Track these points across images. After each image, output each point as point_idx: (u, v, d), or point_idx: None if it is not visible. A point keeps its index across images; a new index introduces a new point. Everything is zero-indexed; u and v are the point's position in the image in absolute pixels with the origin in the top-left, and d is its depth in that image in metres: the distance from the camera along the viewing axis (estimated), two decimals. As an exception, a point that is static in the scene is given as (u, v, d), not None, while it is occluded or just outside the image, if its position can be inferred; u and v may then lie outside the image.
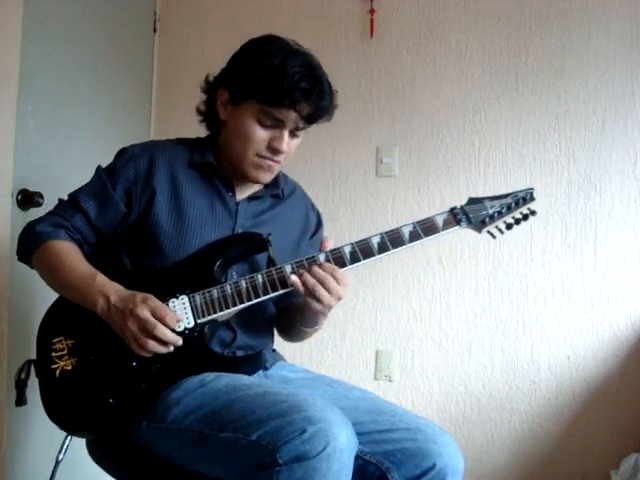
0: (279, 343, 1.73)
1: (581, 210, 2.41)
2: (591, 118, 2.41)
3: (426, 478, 1.35)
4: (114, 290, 1.41)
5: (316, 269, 1.41)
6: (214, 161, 1.58)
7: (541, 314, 2.44)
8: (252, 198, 1.62)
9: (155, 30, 2.86)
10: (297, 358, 2.52)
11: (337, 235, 2.58)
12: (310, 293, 1.41)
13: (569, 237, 2.42)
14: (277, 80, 1.44)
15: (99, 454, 1.55)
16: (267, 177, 1.57)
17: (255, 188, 1.64)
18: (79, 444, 1.54)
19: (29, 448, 2.03)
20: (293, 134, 1.53)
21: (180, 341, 1.38)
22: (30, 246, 1.52)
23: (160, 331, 1.35)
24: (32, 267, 1.55)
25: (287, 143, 1.51)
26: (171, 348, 1.38)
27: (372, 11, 2.62)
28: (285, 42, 1.53)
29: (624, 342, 2.35)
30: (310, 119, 1.52)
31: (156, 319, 1.36)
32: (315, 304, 1.42)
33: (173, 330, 1.38)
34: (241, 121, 1.51)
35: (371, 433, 1.40)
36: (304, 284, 1.41)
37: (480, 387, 2.49)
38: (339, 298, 1.43)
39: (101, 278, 1.44)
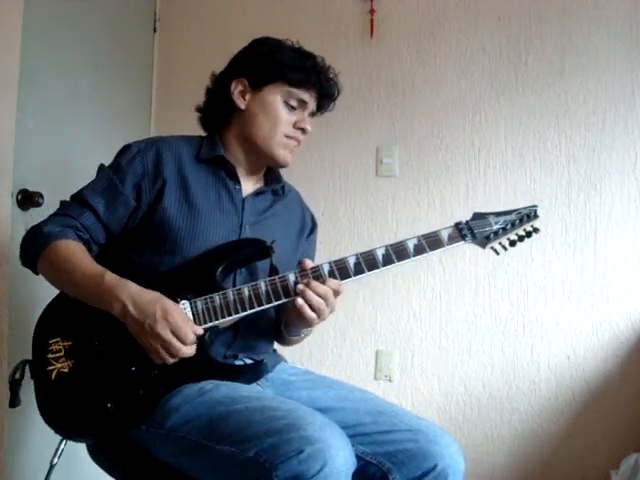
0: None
1: (581, 210, 2.41)
2: (591, 118, 2.41)
3: (427, 479, 1.35)
4: (127, 293, 1.37)
5: (317, 285, 1.42)
6: (224, 154, 1.60)
7: (541, 314, 2.44)
8: (256, 194, 1.64)
9: (155, 30, 2.85)
10: (297, 358, 2.52)
11: (337, 235, 2.59)
12: (311, 308, 1.42)
13: (569, 237, 2.42)
14: (304, 64, 1.58)
15: (98, 453, 1.55)
16: (291, 158, 1.63)
17: (260, 183, 1.67)
18: (77, 445, 1.53)
19: (29, 449, 2.02)
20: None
21: (193, 351, 1.39)
22: (36, 248, 1.47)
23: (183, 354, 1.36)
24: (36, 273, 1.51)
25: (309, 124, 1.62)
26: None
27: (372, 11, 2.61)
28: (284, 41, 1.65)
29: (624, 342, 2.35)
30: (325, 102, 1.67)
31: (179, 340, 1.35)
32: (313, 317, 1.43)
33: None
34: (267, 103, 1.59)
35: (372, 434, 1.40)
36: (308, 303, 1.42)
37: (480, 387, 2.49)
38: (333, 310, 1.46)
39: (110, 278, 1.40)
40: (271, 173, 1.70)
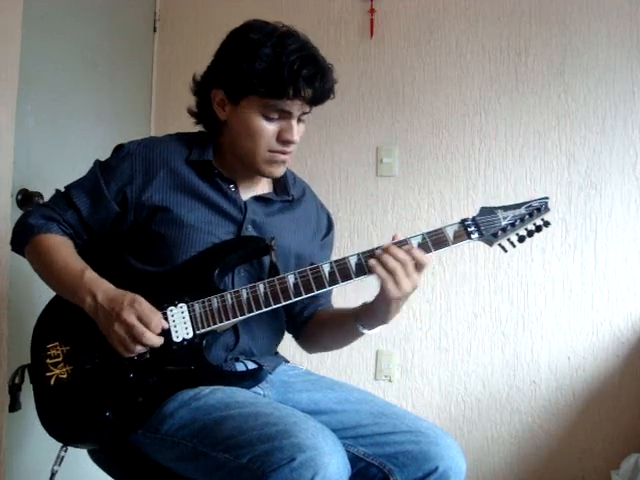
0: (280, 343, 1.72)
1: (581, 210, 2.41)
2: (591, 118, 2.41)
3: None
4: (102, 289, 1.39)
5: (396, 249, 1.37)
6: (212, 159, 1.53)
7: (541, 314, 2.44)
8: (258, 199, 1.58)
9: (155, 30, 2.86)
10: (297, 359, 2.51)
11: (337, 235, 2.55)
12: (390, 277, 1.36)
13: (569, 237, 2.42)
14: (276, 71, 1.40)
15: (98, 455, 1.54)
16: (281, 170, 1.54)
17: (260, 188, 1.61)
18: (78, 449, 1.52)
19: (29, 453, 2.01)
20: (299, 120, 1.49)
21: (159, 340, 1.37)
22: (23, 237, 1.51)
23: (147, 339, 1.35)
24: (25, 258, 1.54)
25: (297, 132, 1.48)
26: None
27: (372, 11, 2.62)
28: (270, 26, 1.48)
29: (625, 342, 2.35)
30: (316, 102, 1.48)
31: (142, 324, 1.34)
32: (394, 291, 1.36)
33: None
34: (245, 119, 1.46)
35: (373, 435, 1.39)
36: (384, 265, 1.36)
37: (480, 387, 2.49)
38: (415, 286, 1.38)
39: (90, 274, 1.42)
40: (279, 180, 1.63)
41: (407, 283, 1.37)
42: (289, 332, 1.72)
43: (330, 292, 1.70)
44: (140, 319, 1.34)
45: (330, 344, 1.70)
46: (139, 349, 1.36)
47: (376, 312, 1.46)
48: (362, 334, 1.52)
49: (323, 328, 1.64)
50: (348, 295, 1.69)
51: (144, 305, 1.37)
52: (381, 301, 1.42)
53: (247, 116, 1.46)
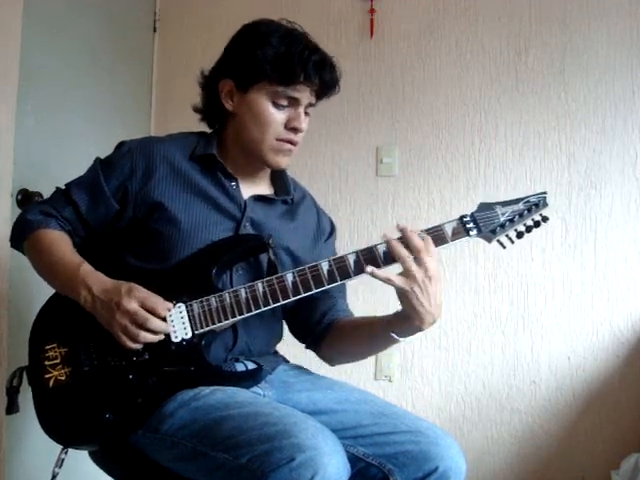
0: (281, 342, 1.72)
1: (581, 210, 2.41)
2: (591, 118, 2.41)
3: None
4: (97, 281, 1.38)
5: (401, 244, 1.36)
6: (217, 153, 1.55)
7: (541, 314, 2.44)
8: (259, 198, 1.59)
9: (155, 30, 2.86)
10: (298, 359, 2.51)
11: (337, 235, 2.57)
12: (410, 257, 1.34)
13: (569, 237, 2.42)
14: (287, 57, 1.45)
15: (97, 455, 1.54)
16: (286, 161, 1.55)
17: (261, 188, 1.61)
18: (78, 450, 1.52)
19: (27, 456, 2.01)
20: (305, 112, 1.52)
21: (164, 327, 1.36)
22: (21, 233, 1.51)
23: (153, 324, 1.34)
24: (24, 254, 1.54)
25: (305, 121, 1.52)
26: (161, 336, 1.37)
27: (372, 11, 2.62)
28: (277, 23, 1.54)
29: (624, 342, 2.35)
30: (323, 93, 1.53)
31: (146, 310, 1.34)
32: (406, 287, 1.32)
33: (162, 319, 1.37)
34: (254, 107, 1.49)
35: (373, 435, 1.39)
36: (396, 253, 1.35)
37: (480, 387, 2.49)
38: (430, 275, 1.34)
39: (85, 268, 1.41)
40: (279, 182, 1.65)
41: (416, 269, 1.34)
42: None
43: (345, 298, 1.71)
44: (143, 305, 1.34)
45: (356, 353, 1.64)
46: (144, 336, 1.34)
47: (409, 317, 1.39)
48: (396, 341, 1.44)
49: (350, 338, 1.60)
50: (363, 295, 1.68)
51: (143, 291, 1.36)
52: (402, 300, 1.37)
53: (256, 104, 1.49)
